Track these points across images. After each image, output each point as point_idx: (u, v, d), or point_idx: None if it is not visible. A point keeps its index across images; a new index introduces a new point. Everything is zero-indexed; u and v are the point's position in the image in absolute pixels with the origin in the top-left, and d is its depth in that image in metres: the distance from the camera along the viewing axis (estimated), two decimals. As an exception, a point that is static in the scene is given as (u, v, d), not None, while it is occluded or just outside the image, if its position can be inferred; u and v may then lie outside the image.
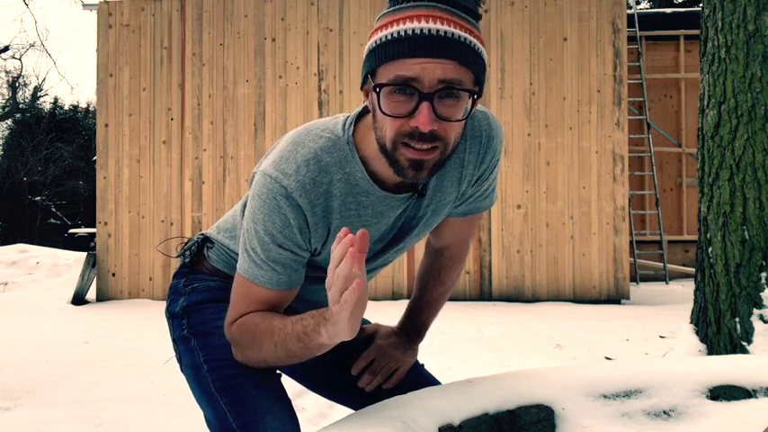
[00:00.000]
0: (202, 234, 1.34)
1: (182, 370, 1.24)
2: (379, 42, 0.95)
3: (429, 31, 0.91)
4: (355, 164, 1.06)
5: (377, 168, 1.06)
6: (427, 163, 0.97)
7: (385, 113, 0.94)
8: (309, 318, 0.96)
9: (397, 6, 0.95)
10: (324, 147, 1.05)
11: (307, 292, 1.17)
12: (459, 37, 0.92)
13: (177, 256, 1.35)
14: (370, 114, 1.03)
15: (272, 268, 1.06)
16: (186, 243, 1.35)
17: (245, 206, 1.24)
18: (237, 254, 1.25)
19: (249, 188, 1.12)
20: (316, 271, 1.15)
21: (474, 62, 0.94)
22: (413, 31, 0.91)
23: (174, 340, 1.27)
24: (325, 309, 0.92)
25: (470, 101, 0.96)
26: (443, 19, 0.92)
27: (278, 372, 1.20)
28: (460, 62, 0.92)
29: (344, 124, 1.08)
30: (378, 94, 0.94)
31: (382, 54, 0.94)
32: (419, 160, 0.96)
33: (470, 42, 0.93)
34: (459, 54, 0.92)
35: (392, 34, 0.93)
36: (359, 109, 1.09)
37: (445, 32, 0.91)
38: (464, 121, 0.98)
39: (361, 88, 1.02)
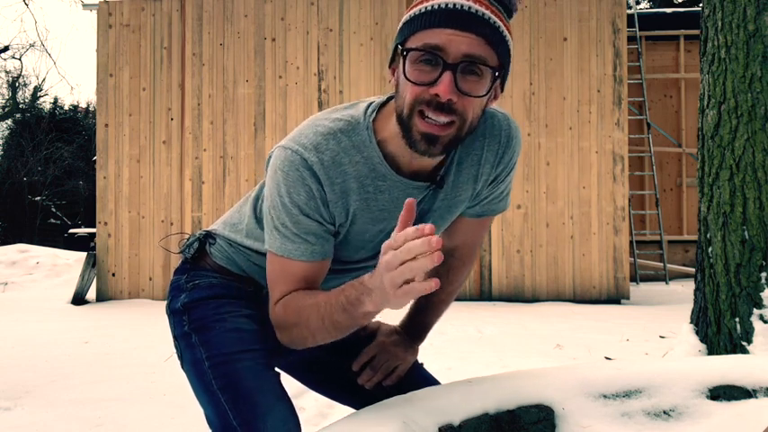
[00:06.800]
0: (205, 230, 1.34)
1: (183, 367, 1.24)
2: (412, 16, 0.99)
3: (461, 6, 0.95)
4: (373, 149, 1.07)
5: (394, 154, 1.07)
6: (442, 139, 0.99)
7: (408, 79, 0.97)
8: (351, 288, 0.96)
9: None
10: (343, 129, 1.07)
11: (323, 285, 1.16)
12: (489, 18, 0.96)
13: (179, 252, 1.35)
14: (392, 102, 1.06)
15: (305, 240, 1.06)
16: (188, 239, 1.34)
17: (256, 198, 1.24)
18: (243, 246, 1.25)
19: (266, 169, 1.12)
20: (333, 263, 1.15)
21: (499, 43, 0.97)
22: (445, 5, 0.96)
23: (174, 337, 1.26)
24: (367, 277, 0.92)
25: (491, 82, 0.98)
26: (476, 0, 0.96)
27: (277, 370, 1.20)
28: (486, 40, 0.96)
29: (366, 109, 1.09)
30: (404, 58, 0.98)
31: (413, 24, 0.98)
32: (433, 135, 0.98)
33: (497, 24, 0.97)
34: (486, 32, 0.96)
35: (425, 8, 0.97)
36: (384, 98, 1.11)
37: (476, 10, 0.95)
38: (484, 101, 1.01)
39: (389, 66, 1.05)
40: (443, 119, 0.96)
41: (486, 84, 0.98)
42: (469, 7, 0.95)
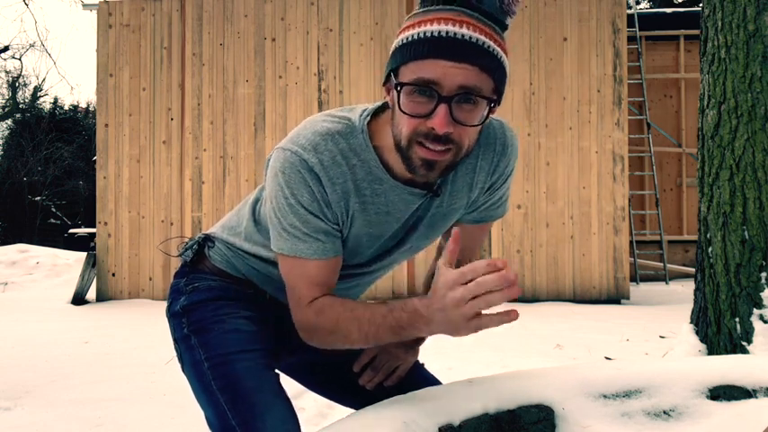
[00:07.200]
0: (204, 234, 1.34)
1: (183, 370, 1.24)
2: (404, 42, 0.97)
3: (455, 34, 0.92)
4: (369, 152, 1.07)
5: (390, 161, 1.07)
6: (439, 164, 0.99)
7: (404, 112, 0.96)
8: (400, 312, 0.96)
9: (425, 8, 0.97)
10: (341, 131, 1.07)
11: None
12: (483, 44, 0.93)
13: (178, 255, 1.35)
14: (389, 111, 1.05)
15: (316, 238, 1.06)
16: (187, 242, 1.34)
17: (255, 202, 1.24)
18: (242, 250, 1.25)
19: (265, 172, 1.11)
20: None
21: (495, 69, 0.95)
22: (438, 32, 0.93)
23: (175, 340, 1.27)
24: (420, 305, 0.92)
25: (487, 108, 0.97)
26: (469, 24, 0.93)
27: (276, 371, 1.20)
28: (481, 68, 0.94)
29: (362, 114, 1.09)
30: (398, 92, 0.96)
31: (406, 53, 0.96)
32: (431, 161, 0.98)
33: (493, 50, 0.95)
34: (481, 60, 0.93)
35: (417, 34, 0.95)
36: (379, 104, 1.11)
37: (470, 37, 0.93)
38: (479, 127, 1.00)
39: (384, 85, 1.04)
40: (440, 148, 0.97)
41: (482, 111, 0.97)
42: (463, 35, 0.92)
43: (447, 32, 0.92)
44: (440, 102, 0.93)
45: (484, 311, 0.87)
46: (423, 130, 0.96)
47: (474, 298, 0.84)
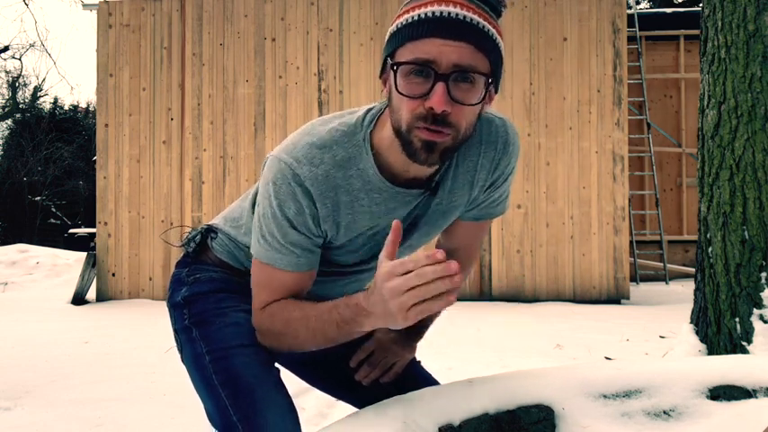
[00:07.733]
0: (207, 225, 1.34)
1: (183, 361, 1.24)
2: (399, 26, 0.98)
3: (449, 14, 0.93)
4: (368, 161, 1.07)
5: (390, 164, 1.07)
6: (439, 145, 0.98)
7: (401, 93, 0.96)
8: (345, 308, 0.96)
9: None
10: (339, 140, 1.06)
11: (319, 289, 1.17)
12: (478, 23, 0.94)
13: (181, 246, 1.35)
14: (387, 111, 1.05)
15: (291, 251, 1.06)
16: (190, 233, 1.35)
17: (256, 195, 1.24)
18: (242, 244, 1.25)
19: (262, 171, 1.11)
20: (328, 266, 1.15)
21: (491, 49, 0.96)
22: (432, 13, 0.94)
23: (175, 331, 1.27)
24: (363, 299, 0.93)
25: (485, 89, 0.97)
26: (463, 5, 0.94)
27: (276, 366, 1.20)
28: (477, 47, 0.94)
29: (364, 119, 1.08)
30: (395, 73, 0.96)
31: (401, 36, 0.96)
32: (431, 141, 0.97)
33: (488, 30, 0.95)
34: (476, 38, 0.94)
35: (412, 17, 0.96)
36: (381, 106, 1.10)
37: (464, 17, 0.93)
38: (478, 109, 0.99)
39: (380, 77, 1.03)
40: (440, 129, 0.96)
41: (479, 91, 0.97)
42: (457, 14, 0.93)
43: (441, 12, 0.93)
44: (437, 80, 0.93)
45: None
46: (421, 112, 0.95)
47: (412, 288, 0.83)
